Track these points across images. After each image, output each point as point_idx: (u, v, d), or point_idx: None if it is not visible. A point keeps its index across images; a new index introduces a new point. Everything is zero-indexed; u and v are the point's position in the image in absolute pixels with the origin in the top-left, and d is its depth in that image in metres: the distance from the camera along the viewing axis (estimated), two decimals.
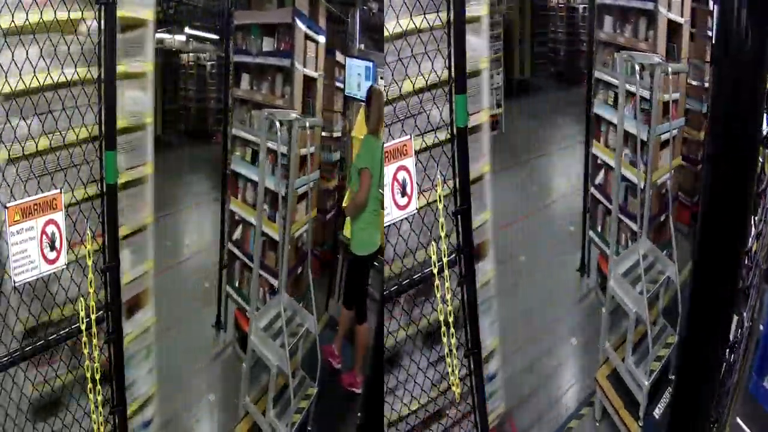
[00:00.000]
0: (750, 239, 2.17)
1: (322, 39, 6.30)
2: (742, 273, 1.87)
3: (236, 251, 6.80)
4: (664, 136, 5.79)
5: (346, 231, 6.56)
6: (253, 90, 6.41)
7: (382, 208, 5.63)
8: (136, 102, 4.87)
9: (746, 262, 2.13)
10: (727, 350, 2.00)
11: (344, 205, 6.61)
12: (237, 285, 6.85)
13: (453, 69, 3.70)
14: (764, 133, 2.07)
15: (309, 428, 5.76)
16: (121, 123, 4.43)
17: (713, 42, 1.72)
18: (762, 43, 1.61)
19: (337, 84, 7.06)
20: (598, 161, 6.69)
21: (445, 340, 3.88)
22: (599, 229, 6.81)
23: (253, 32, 6.34)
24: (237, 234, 6.78)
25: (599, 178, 6.72)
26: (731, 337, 1.94)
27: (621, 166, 5.76)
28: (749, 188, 1.68)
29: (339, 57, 7.00)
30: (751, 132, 1.65)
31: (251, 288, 5.83)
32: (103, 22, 4.01)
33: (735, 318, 2.09)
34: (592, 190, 6.84)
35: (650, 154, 5.60)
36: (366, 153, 5.75)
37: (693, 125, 6.25)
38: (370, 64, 6.56)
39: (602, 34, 6.49)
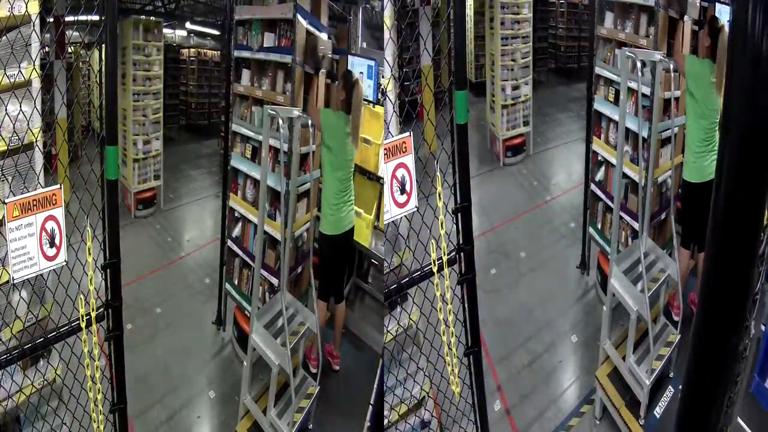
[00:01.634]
0: (762, 245, 2.14)
1: (324, 36, 6.27)
2: (753, 280, 1.84)
3: (235, 248, 6.78)
4: (665, 134, 5.80)
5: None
6: (253, 86, 6.37)
7: (346, 192, 5.71)
8: (19, 117, 4.06)
9: (757, 268, 2.10)
10: (737, 362, 1.98)
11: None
12: (236, 282, 6.83)
13: (453, 65, 3.68)
14: None
15: (310, 427, 5.75)
16: (2, 145, 3.98)
17: (727, 48, 1.68)
18: None
19: None
20: (599, 158, 6.68)
21: (444, 338, 3.86)
22: (599, 226, 6.80)
23: (254, 28, 6.31)
24: (236, 231, 6.76)
25: (599, 174, 6.71)
26: (741, 348, 1.91)
27: (622, 163, 5.75)
28: (762, 195, 1.66)
29: None
30: (764, 139, 1.62)
31: (252, 287, 5.81)
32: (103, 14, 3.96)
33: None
34: (593, 186, 6.84)
35: (651, 152, 5.58)
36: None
37: None
38: (372, 63, 6.52)
39: (603, 30, 6.47)
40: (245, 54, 6.41)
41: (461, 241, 3.87)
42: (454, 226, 3.87)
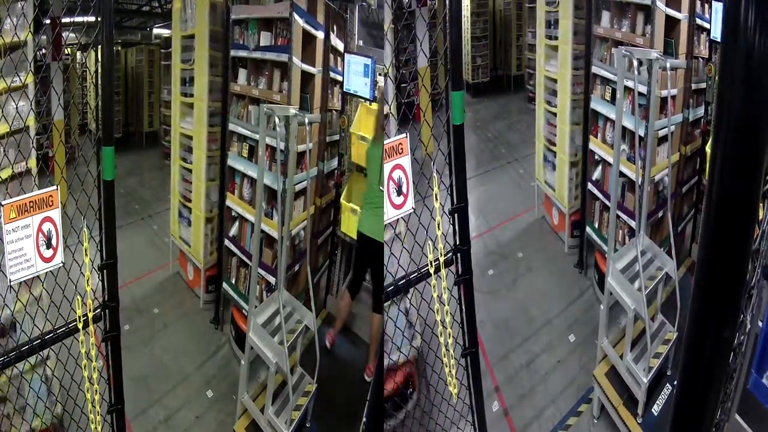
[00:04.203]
0: (756, 240, 2.13)
1: (320, 34, 6.27)
2: (747, 275, 1.84)
3: (233, 247, 6.78)
4: (661, 132, 5.80)
5: (344, 227, 6.58)
6: (250, 85, 6.36)
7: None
8: (19, 110, 4.79)
9: (751, 263, 2.08)
10: (731, 355, 1.97)
11: (342, 199, 6.64)
12: (233, 282, 6.83)
13: (449, 66, 3.68)
14: None
15: (308, 425, 5.76)
16: (4, 128, 4.72)
17: (720, 43, 1.67)
18: None
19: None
20: (596, 157, 6.66)
21: (442, 339, 3.86)
22: (596, 225, 6.78)
23: (250, 27, 6.30)
24: (233, 230, 6.76)
25: (596, 173, 6.69)
26: (735, 342, 1.92)
27: (619, 161, 5.75)
28: (755, 190, 1.66)
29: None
30: (757, 135, 1.62)
31: (250, 285, 5.80)
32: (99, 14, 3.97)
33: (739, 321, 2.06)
34: (589, 186, 6.83)
35: (648, 150, 5.59)
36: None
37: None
38: (369, 61, 6.51)
39: (599, 29, 6.43)
40: (242, 53, 6.41)
41: (458, 242, 3.88)
42: (451, 227, 3.87)
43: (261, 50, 6.16)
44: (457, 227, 3.85)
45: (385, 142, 3.60)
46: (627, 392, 5.51)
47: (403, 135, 3.60)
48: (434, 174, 3.63)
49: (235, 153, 6.60)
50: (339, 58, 6.78)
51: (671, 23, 5.82)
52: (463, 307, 4.02)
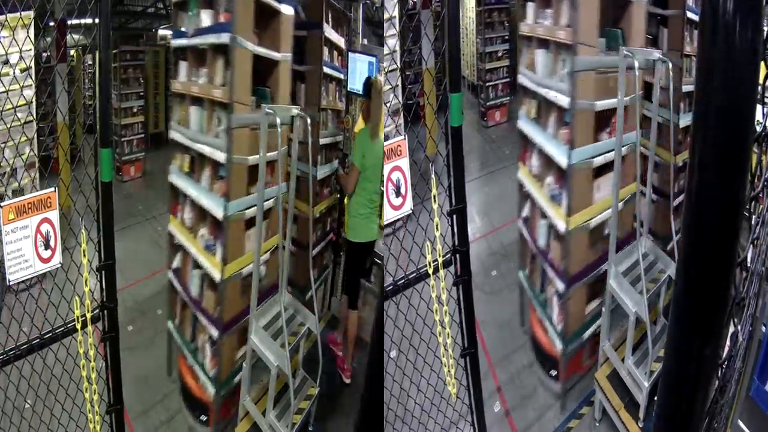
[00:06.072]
0: (745, 247, 2.04)
1: (287, 9, 5.11)
2: (735, 284, 1.74)
3: (175, 283, 5.67)
4: (604, 158, 4.82)
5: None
6: (190, 80, 5.10)
7: (376, 203, 5.69)
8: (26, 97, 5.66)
9: (741, 271, 1.99)
10: (719, 369, 1.88)
11: (346, 203, 6.57)
12: (177, 323, 5.77)
13: (448, 67, 3.68)
14: (758, 131, 1.96)
15: (310, 429, 5.74)
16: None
17: (698, 32, 1.60)
18: (754, 35, 1.51)
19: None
20: (524, 190, 5.50)
21: (440, 339, 3.86)
22: (527, 271, 5.66)
23: (191, 7, 5.02)
24: (176, 262, 5.66)
25: (525, 210, 5.50)
26: (723, 356, 1.82)
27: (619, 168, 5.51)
28: (741, 194, 1.57)
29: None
30: (742, 131, 1.55)
31: (251, 300, 5.60)
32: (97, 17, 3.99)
33: (730, 333, 1.98)
34: (519, 224, 5.64)
35: (652, 151, 5.15)
36: (357, 149, 5.71)
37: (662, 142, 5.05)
38: (374, 59, 6.44)
39: (524, 26, 5.26)
40: (181, 42, 5.13)
41: (456, 243, 3.87)
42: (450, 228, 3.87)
43: (200, 34, 4.87)
44: (455, 228, 3.84)
45: (385, 143, 3.61)
46: (629, 396, 5.47)
47: (402, 137, 3.60)
48: (432, 175, 3.63)
49: (176, 167, 5.35)
50: (336, 52, 6.47)
51: (620, 8, 4.73)
52: (462, 308, 4.02)
